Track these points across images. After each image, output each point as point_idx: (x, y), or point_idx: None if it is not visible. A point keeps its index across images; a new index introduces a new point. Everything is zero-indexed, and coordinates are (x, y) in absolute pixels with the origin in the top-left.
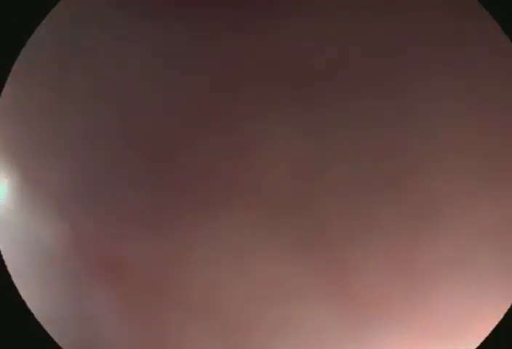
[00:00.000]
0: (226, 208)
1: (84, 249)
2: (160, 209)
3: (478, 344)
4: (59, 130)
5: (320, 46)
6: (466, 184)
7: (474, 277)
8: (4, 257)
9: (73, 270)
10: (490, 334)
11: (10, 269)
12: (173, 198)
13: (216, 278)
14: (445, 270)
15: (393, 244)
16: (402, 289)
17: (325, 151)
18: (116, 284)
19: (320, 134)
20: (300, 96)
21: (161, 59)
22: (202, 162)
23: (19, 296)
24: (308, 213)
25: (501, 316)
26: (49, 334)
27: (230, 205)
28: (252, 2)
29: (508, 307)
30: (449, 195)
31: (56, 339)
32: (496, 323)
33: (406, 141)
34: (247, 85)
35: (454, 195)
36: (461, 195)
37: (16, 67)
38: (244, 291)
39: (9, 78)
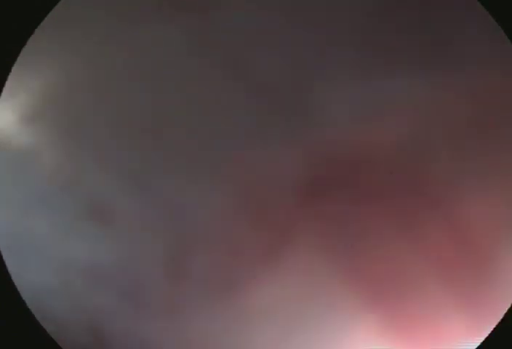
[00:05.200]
0: None
1: None
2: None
3: (478, 344)
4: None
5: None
6: None
7: None
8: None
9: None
10: (490, 334)
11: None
12: None
13: None
14: None
15: None
16: None
17: None
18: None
19: None
20: None
21: (161, 59)
22: None
23: (19, 296)
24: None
25: (501, 316)
26: (48, 334)
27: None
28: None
29: (508, 307)
30: None
31: (56, 338)
32: (496, 323)
33: None
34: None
35: None
36: None
37: (16, 67)
38: None
39: (9, 78)
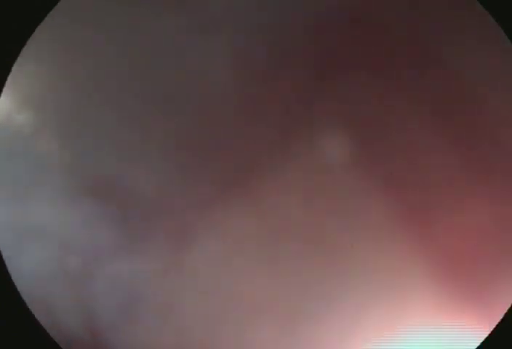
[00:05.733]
0: None
1: None
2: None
3: (478, 344)
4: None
5: None
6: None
7: None
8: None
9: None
10: (490, 334)
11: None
12: None
13: None
14: None
15: None
16: None
17: None
18: None
19: None
20: None
21: (161, 57)
22: None
23: (19, 296)
24: None
25: (501, 316)
26: (48, 334)
27: None
28: None
29: (508, 307)
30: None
31: (56, 338)
32: (496, 322)
33: None
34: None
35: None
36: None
37: (16, 67)
38: None
39: (9, 77)
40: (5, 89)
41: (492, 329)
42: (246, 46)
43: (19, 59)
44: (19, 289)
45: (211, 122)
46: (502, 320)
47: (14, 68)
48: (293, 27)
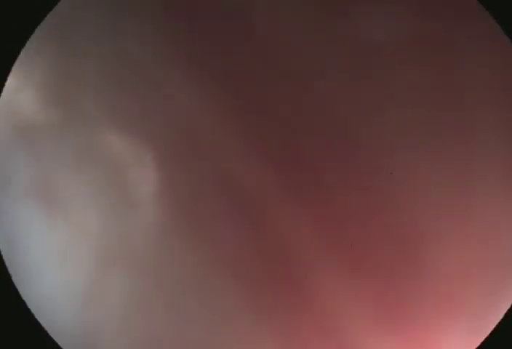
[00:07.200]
0: None
1: None
2: None
3: (478, 344)
4: (58, 125)
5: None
6: None
7: None
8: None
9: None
10: (490, 334)
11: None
12: None
13: None
14: None
15: None
16: None
17: None
18: None
19: None
20: None
21: (161, 59)
22: None
23: (19, 296)
24: None
25: (501, 316)
26: (49, 334)
27: None
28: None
29: (508, 307)
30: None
31: (56, 339)
32: (496, 323)
33: None
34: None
35: None
36: None
37: (16, 67)
38: None
39: (9, 78)
40: (5, 89)
41: (491, 330)
42: None
43: (19, 59)
44: (19, 289)
45: None
46: (502, 320)
47: (14, 68)
48: None
